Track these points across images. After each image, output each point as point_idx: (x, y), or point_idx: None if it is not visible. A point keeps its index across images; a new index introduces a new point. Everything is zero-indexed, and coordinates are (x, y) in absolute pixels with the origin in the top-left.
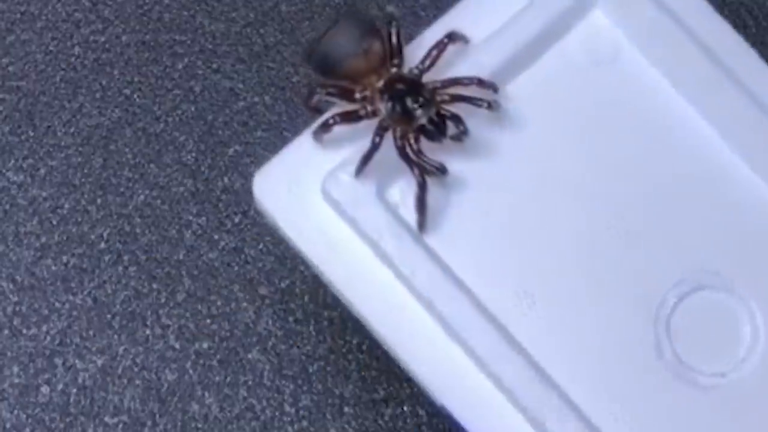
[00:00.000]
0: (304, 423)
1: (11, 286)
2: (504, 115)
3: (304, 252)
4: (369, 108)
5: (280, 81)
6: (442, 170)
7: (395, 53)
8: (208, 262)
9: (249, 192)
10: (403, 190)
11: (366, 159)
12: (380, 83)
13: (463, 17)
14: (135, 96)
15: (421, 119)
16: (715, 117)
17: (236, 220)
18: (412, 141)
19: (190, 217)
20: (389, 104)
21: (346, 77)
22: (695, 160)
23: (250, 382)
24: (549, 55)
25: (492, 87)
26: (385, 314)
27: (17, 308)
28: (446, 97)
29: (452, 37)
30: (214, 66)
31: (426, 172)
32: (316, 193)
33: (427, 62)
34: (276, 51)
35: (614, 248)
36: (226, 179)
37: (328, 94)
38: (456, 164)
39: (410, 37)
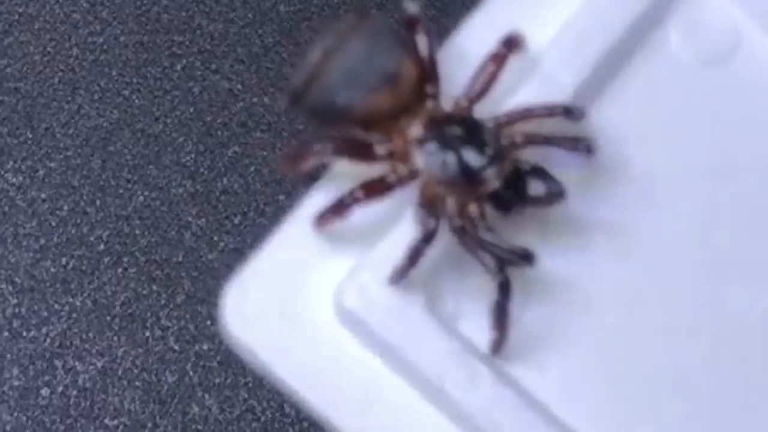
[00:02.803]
0: (305, 424)
1: (10, 288)
2: (592, 159)
3: (313, 406)
4: (402, 170)
5: (279, 82)
6: (527, 258)
7: (430, 78)
8: (208, 264)
9: (248, 193)
10: (458, 296)
11: (415, 255)
12: (417, 129)
13: (504, 7)
14: (134, 97)
15: (492, 182)
16: None
17: (236, 221)
18: (475, 216)
19: (190, 219)
20: (436, 161)
21: (362, 124)
22: None
23: (250, 384)
24: (639, 57)
25: (579, 116)
26: None
27: (17, 310)
28: (518, 141)
29: (512, 43)
30: (213, 67)
31: (505, 263)
32: (327, 314)
33: (478, 87)
34: (275, 52)
35: None
36: (225, 180)
37: (336, 152)
38: (534, 247)
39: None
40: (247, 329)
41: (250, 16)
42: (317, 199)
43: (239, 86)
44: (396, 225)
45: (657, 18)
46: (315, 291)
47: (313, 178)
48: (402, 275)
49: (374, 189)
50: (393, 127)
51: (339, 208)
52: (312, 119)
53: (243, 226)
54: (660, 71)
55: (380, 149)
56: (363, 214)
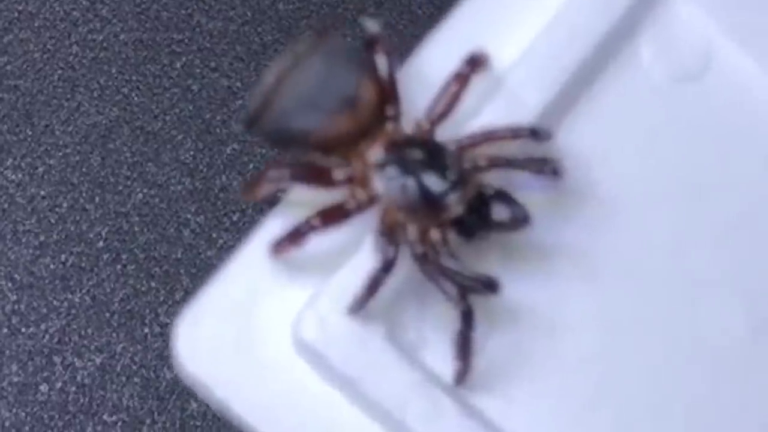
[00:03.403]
0: None
1: (10, 284)
2: (558, 181)
3: None
4: (361, 195)
5: None
6: (491, 286)
7: (390, 99)
8: (207, 261)
9: None
10: (419, 326)
11: (375, 284)
12: (376, 152)
13: (468, 24)
14: (133, 95)
15: (455, 207)
16: None
17: (234, 218)
18: (437, 242)
19: (189, 216)
20: (397, 186)
21: (320, 148)
22: None
23: None
24: (609, 75)
25: (545, 137)
26: None
27: (16, 307)
28: (482, 164)
29: (475, 62)
30: (212, 65)
31: (468, 291)
32: (284, 346)
33: (440, 108)
34: (273, 49)
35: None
36: (224, 177)
37: (293, 177)
38: (498, 274)
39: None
40: (200, 362)
41: (249, 14)
42: (273, 225)
43: (238, 84)
44: (356, 252)
45: (628, 34)
46: (271, 322)
47: (272, 202)
48: (361, 305)
49: (332, 216)
50: (352, 150)
51: (295, 236)
52: (269, 144)
53: (241, 223)
54: (631, 89)
55: (339, 174)
56: (322, 241)
